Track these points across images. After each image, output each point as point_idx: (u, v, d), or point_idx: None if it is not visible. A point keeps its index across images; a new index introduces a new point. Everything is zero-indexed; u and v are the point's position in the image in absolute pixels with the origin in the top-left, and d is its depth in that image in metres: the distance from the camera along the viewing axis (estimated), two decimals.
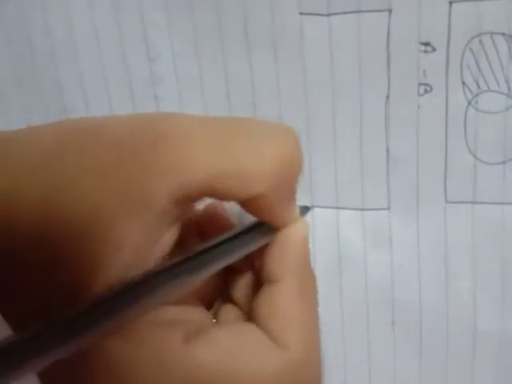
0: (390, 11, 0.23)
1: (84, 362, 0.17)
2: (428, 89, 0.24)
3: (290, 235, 0.20)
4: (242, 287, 0.22)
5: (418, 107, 0.24)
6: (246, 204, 0.19)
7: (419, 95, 0.24)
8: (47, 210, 0.16)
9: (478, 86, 0.23)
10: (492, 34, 0.23)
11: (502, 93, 0.23)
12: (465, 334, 0.26)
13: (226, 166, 0.17)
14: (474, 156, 0.24)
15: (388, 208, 0.25)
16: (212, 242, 0.19)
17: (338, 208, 0.26)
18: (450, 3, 0.22)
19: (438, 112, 0.24)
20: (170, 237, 0.18)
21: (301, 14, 0.23)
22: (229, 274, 0.23)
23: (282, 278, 0.20)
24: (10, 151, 0.17)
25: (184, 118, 0.18)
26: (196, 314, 0.21)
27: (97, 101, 0.26)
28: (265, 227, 0.21)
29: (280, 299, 0.20)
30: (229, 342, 0.18)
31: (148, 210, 0.16)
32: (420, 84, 0.24)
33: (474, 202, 0.25)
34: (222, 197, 0.18)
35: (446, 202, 0.25)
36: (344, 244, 0.26)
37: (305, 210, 0.23)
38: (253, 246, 0.20)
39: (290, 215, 0.20)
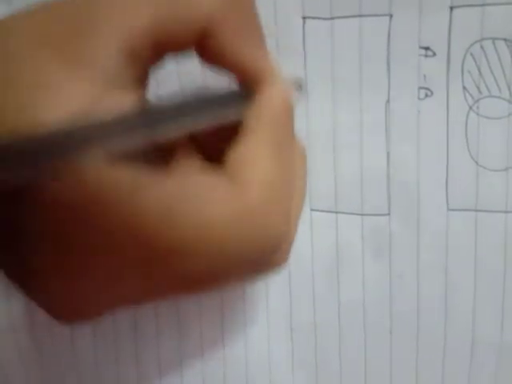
0: (391, 16, 0.23)
1: (25, 203, 0.16)
2: (428, 93, 0.24)
3: (266, 91, 0.19)
4: (213, 143, 0.20)
5: (419, 112, 0.24)
6: (204, 51, 0.18)
7: (420, 99, 0.24)
8: None
9: (480, 91, 0.23)
10: (494, 39, 0.23)
11: (503, 98, 0.23)
12: (463, 345, 0.25)
13: (168, 8, 0.17)
14: (476, 162, 0.24)
15: (388, 214, 0.25)
16: (179, 99, 0.17)
17: (337, 212, 0.26)
18: (451, 8, 0.23)
19: (438, 117, 0.24)
20: (127, 101, 0.17)
21: (304, 17, 0.24)
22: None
23: (254, 131, 0.18)
24: None
25: None
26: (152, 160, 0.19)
27: None
28: (244, 94, 0.19)
29: (247, 147, 0.18)
30: (180, 185, 0.17)
31: (92, 66, 0.16)
32: (420, 88, 0.24)
33: (476, 210, 0.24)
34: (172, 42, 0.17)
35: (448, 209, 0.24)
36: (343, 249, 0.26)
37: (297, 84, 0.21)
38: (226, 113, 0.19)
39: (260, 63, 0.19)
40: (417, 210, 0.25)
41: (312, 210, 0.26)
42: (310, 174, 0.26)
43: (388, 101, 0.24)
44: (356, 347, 0.26)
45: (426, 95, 0.24)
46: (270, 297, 0.27)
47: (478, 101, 0.23)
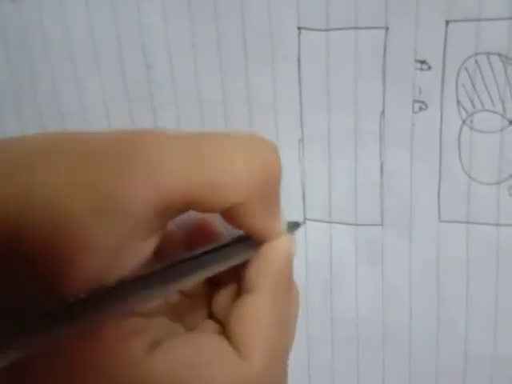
0: (387, 28, 0.23)
1: (43, 363, 0.17)
2: (423, 106, 0.24)
3: (273, 249, 0.21)
4: (223, 301, 0.22)
5: (413, 124, 0.24)
6: (227, 215, 0.19)
7: (414, 112, 0.24)
8: (19, 217, 0.16)
9: (473, 106, 0.23)
10: (488, 54, 0.23)
11: (497, 113, 0.23)
12: (456, 357, 0.25)
13: (201, 178, 0.18)
14: (468, 175, 0.24)
15: (381, 224, 0.25)
16: (193, 253, 0.19)
17: (330, 222, 0.26)
18: (447, 22, 0.23)
19: (432, 129, 0.24)
20: (148, 246, 0.18)
21: (299, 28, 0.24)
22: (213, 289, 0.23)
23: (257, 290, 0.20)
24: None
25: (160, 132, 0.18)
26: (166, 325, 0.21)
27: (94, 109, 0.27)
28: (250, 241, 0.21)
29: (250, 311, 0.20)
30: (187, 352, 0.18)
31: (124, 218, 0.16)
32: (415, 101, 0.24)
33: (468, 222, 0.24)
34: (202, 208, 0.18)
35: (440, 220, 0.25)
36: (336, 259, 0.26)
37: (295, 225, 0.23)
38: (236, 260, 0.20)
39: (274, 228, 0.21)
40: (409, 221, 0.25)
41: (306, 219, 0.26)
42: (304, 184, 0.26)
43: (383, 113, 0.24)
44: (349, 359, 0.26)
45: (421, 108, 0.24)
46: None
47: (471, 115, 0.23)
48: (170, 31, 0.25)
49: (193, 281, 0.19)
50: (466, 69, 0.23)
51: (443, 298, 0.25)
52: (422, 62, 0.23)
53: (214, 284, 0.22)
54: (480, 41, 0.23)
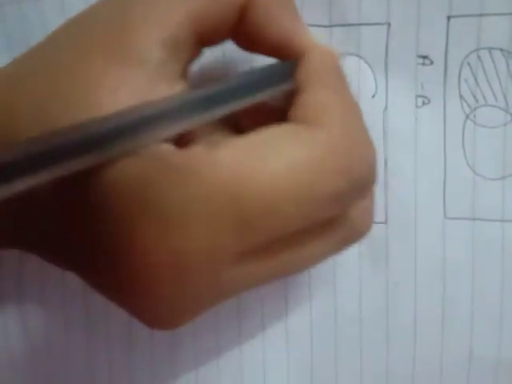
0: (389, 24, 0.23)
1: (95, 190, 0.16)
2: (426, 101, 0.24)
3: (317, 53, 0.19)
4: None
5: (416, 119, 0.24)
6: (242, 36, 0.19)
7: (417, 107, 0.24)
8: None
9: (476, 100, 0.23)
10: (490, 49, 0.23)
11: (499, 107, 0.23)
12: (460, 357, 0.25)
13: None
14: (473, 170, 0.24)
15: (385, 222, 0.25)
16: (229, 79, 0.18)
17: None
18: (449, 18, 0.23)
19: (435, 124, 0.24)
20: (172, 93, 0.17)
21: None
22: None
23: (313, 82, 0.18)
24: None
25: None
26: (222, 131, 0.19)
27: None
28: (289, 66, 0.19)
29: (310, 98, 0.18)
30: (253, 141, 0.16)
31: (138, 63, 0.16)
32: (418, 96, 0.24)
33: (473, 219, 0.24)
34: (212, 31, 0.18)
35: (445, 217, 0.25)
36: (339, 257, 0.26)
37: None
38: (277, 87, 0.19)
39: (302, 38, 0.19)
40: (414, 219, 0.25)
41: None
42: None
43: (386, 108, 0.24)
44: (352, 357, 0.25)
45: (424, 103, 0.24)
46: (266, 304, 0.26)
47: (474, 109, 0.23)
48: None
49: (228, 109, 0.18)
50: (469, 64, 0.23)
51: (448, 295, 0.24)
52: (425, 57, 0.23)
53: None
54: (482, 36, 0.23)
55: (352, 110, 0.18)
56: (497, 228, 0.24)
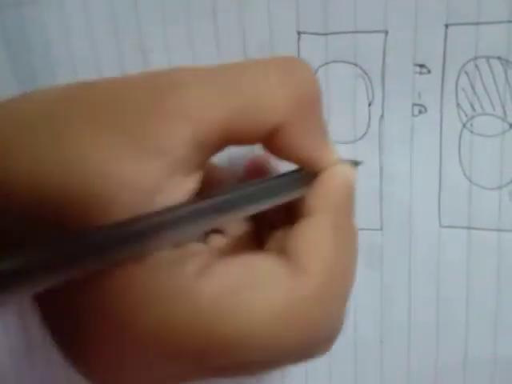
0: (387, 32, 0.23)
1: (90, 290, 0.16)
2: (422, 110, 0.24)
3: (332, 175, 0.19)
4: (275, 240, 0.20)
5: (412, 128, 0.24)
6: (270, 144, 0.18)
7: (414, 116, 0.24)
8: (45, 166, 0.16)
9: (473, 109, 0.23)
10: (488, 57, 0.23)
11: (497, 116, 0.23)
12: (455, 360, 0.25)
13: (238, 103, 0.17)
14: (469, 180, 0.24)
15: (381, 229, 0.25)
16: (242, 185, 0.18)
17: None
18: (446, 26, 0.23)
19: (432, 133, 0.24)
20: (189, 184, 0.17)
21: (299, 32, 0.24)
22: (264, 232, 0.21)
23: (317, 213, 0.19)
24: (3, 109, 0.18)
25: (189, 67, 0.18)
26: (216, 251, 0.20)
27: None
28: (304, 175, 0.19)
29: (309, 229, 0.18)
30: (237, 272, 0.17)
31: (160, 155, 0.16)
32: (414, 105, 0.24)
33: (469, 228, 0.24)
34: (240, 138, 0.18)
35: (441, 226, 0.24)
36: None
37: (354, 163, 0.21)
38: (289, 195, 0.19)
39: (326, 155, 0.19)
40: (409, 226, 0.25)
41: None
42: None
43: (382, 116, 0.24)
44: (347, 360, 0.26)
45: (420, 112, 0.24)
46: None
47: (471, 118, 0.23)
48: (168, 37, 0.25)
49: (239, 214, 0.18)
50: (466, 72, 0.23)
51: (444, 303, 0.25)
52: (422, 65, 0.23)
53: (264, 226, 0.21)
54: (479, 44, 0.23)
55: (345, 257, 0.19)
56: (493, 237, 0.24)
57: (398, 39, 0.23)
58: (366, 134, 0.24)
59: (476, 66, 0.23)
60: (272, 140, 0.18)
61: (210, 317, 0.16)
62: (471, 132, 0.23)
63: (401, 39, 0.23)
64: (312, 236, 0.18)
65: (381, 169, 0.24)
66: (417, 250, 0.25)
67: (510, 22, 0.22)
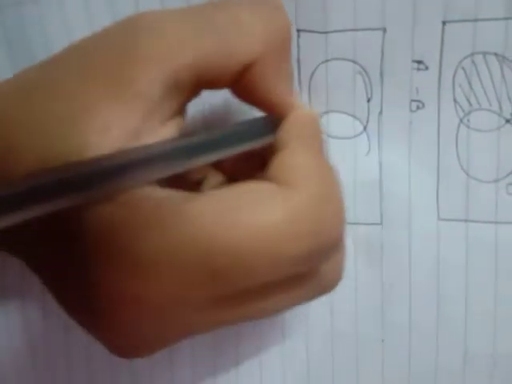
0: (385, 30, 0.24)
1: (74, 226, 0.16)
2: (420, 105, 0.24)
3: (301, 114, 0.20)
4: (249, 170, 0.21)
5: (411, 123, 0.24)
6: (239, 87, 0.19)
7: (412, 111, 0.24)
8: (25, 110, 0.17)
9: (470, 105, 0.24)
10: (484, 53, 0.23)
11: (493, 111, 0.24)
12: (455, 355, 0.25)
13: (213, 39, 0.17)
14: (467, 173, 0.24)
15: (380, 223, 0.26)
16: (215, 130, 0.19)
17: None
18: (444, 23, 0.23)
19: (430, 128, 0.24)
20: (167, 131, 0.18)
21: (298, 30, 0.24)
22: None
23: (291, 144, 0.19)
24: None
25: (158, 10, 0.18)
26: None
27: None
28: (273, 121, 0.20)
29: (288, 157, 0.18)
30: (229, 194, 0.17)
31: (136, 99, 0.17)
32: (412, 101, 0.24)
33: (467, 221, 0.25)
34: (212, 79, 0.18)
35: (439, 219, 0.25)
36: None
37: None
38: (259, 140, 0.20)
39: (293, 100, 0.20)
40: (408, 220, 0.25)
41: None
42: None
43: (381, 112, 0.24)
44: (348, 357, 0.26)
45: (418, 107, 0.24)
46: None
47: (468, 113, 0.24)
48: None
49: (213, 157, 0.18)
50: (463, 68, 0.23)
51: (443, 296, 0.25)
52: (420, 62, 0.24)
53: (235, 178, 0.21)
54: (476, 41, 0.23)
55: (328, 174, 0.19)
56: (490, 230, 0.24)
57: (396, 36, 0.24)
58: (365, 129, 0.25)
59: (473, 62, 0.23)
60: (242, 81, 0.18)
61: (210, 234, 0.16)
62: (468, 127, 0.24)
63: (399, 36, 0.23)
64: (292, 159, 0.18)
65: (380, 164, 0.25)
66: (416, 242, 0.25)
67: (506, 18, 0.23)
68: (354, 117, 0.25)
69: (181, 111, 0.18)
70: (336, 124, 0.25)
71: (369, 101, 0.24)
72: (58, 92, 0.17)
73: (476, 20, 0.23)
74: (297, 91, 0.20)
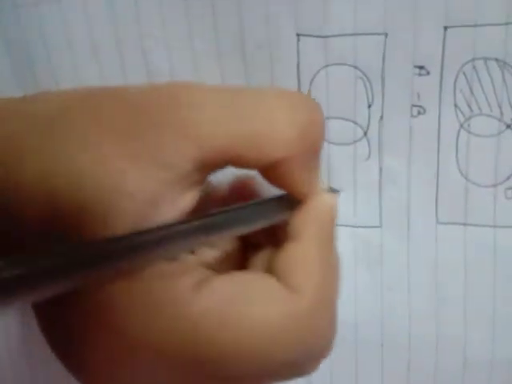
0: (386, 35, 0.23)
1: (85, 301, 0.17)
2: (421, 110, 0.24)
3: (318, 203, 0.20)
4: (261, 257, 0.21)
5: (411, 128, 0.24)
6: (267, 173, 0.19)
7: (412, 117, 0.24)
8: (51, 171, 0.16)
9: (471, 110, 0.24)
10: (485, 59, 0.23)
11: (494, 117, 0.24)
12: (454, 360, 0.26)
13: (247, 132, 0.18)
14: (466, 178, 0.24)
15: (380, 226, 0.26)
16: (232, 207, 0.19)
17: None
18: (445, 28, 0.23)
19: (430, 133, 0.24)
20: (187, 200, 0.18)
21: (298, 34, 0.24)
22: (248, 249, 0.22)
23: (303, 236, 0.19)
24: (13, 110, 0.18)
25: (199, 84, 0.18)
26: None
27: None
28: (289, 200, 0.20)
29: (297, 252, 0.19)
30: (234, 288, 0.18)
31: (161, 169, 0.16)
32: (413, 106, 0.24)
33: (465, 224, 0.25)
34: (241, 164, 0.18)
35: (438, 222, 0.25)
36: None
37: (333, 191, 0.22)
38: (275, 218, 0.20)
39: (314, 187, 0.20)
40: (407, 223, 0.25)
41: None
42: None
43: (382, 117, 0.24)
44: (347, 361, 0.27)
45: (419, 113, 0.24)
46: None
47: (469, 119, 0.24)
48: (169, 38, 0.25)
49: (229, 234, 0.19)
50: (464, 74, 0.23)
51: (442, 299, 0.25)
52: (421, 67, 0.23)
53: (248, 244, 0.22)
54: (477, 46, 0.23)
55: (332, 274, 0.20)
56: (488, 233, 0.25)
57: (397, 41, 0.23)
58: (365, 134, 0.25)
59: (474, 67, 0.23)
60: (270, 170, 0.19)
61: (207, 329, 0.17)
62: (468, 132, 0.24)
63: (400, 41, 0.23)
64: (301, 259, 0.19)
65: (380, 169, 0.25)
66: (415, 245, 0.25)
67: (507, 24, 0.22)
68: (355, 122, 0.25)
69: (202, 183, 0.18)
70: (336, 129, 0.25)
71: (370, 106, 0.24)
72: (77, 148, 0.16)
73: (477, 25, 0.23)
74: (320, 175, 0.21)
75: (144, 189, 0.16)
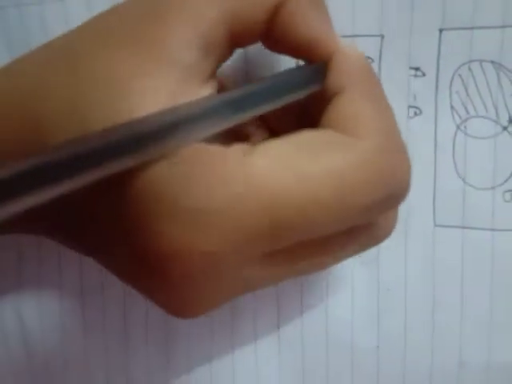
0: (383, 36, 0.24)
1: (121, 189, 0.16)
2: (418, 112, 0.24)
3: (348, 51, 0.18)
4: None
5: (408, 130, 0.24)
6: (273, 35, 0.18)
7: (409, 118, 0.24)
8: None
9: (467, 111, 0.24)
10: (481, 61, 0.23)
11: (490, 119, 0.24)
12: (450, 363, 0.25)
13: None
14: (463, 180, 0.24)
15: None
16: (257, 84, 0.18)
17: None
18: (441, 30, 0.23)
19: (427, 135, 0.24)
20: (205, 93, 0.17)
21: None
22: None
23: (347, 87, 0.18)
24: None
25: None
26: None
27: None
28: (316, 68, 0.19)
29: (348, 103, 0.18)
30: (288, 145, 0.16)
31: (171, 64, 0.16)
32: (410, 107, 0.24)
33: (463, 227, 0.25)
34: (244, 30, 0.17)
35: (435, 225, 0.25)
36: None
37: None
38: (304, 91, 0.18)
39: (332, 39, 0.18)
40: (405, 225, 0.25)
41: None
42: None
43: None
44: (343, 362, 0.26)
45: (415, 114, 0.24)
46: (258, 310, 0.27)
47: (465, 120, 0.24)
48: None
49: (260, 111, 0.17)
50: (460, 76, 0.24)
51: (438, 302, 0.25)
52: (417, 69, 0.24)
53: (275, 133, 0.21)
54: (473, 48, 0.23)
55: (388, 119, 0.18)
56: (486, 236, 0.25)
57: (393, 43, 0.24)
58: None
59: (469, 69, 0.23)
60: (276, 27, 0.18)
61: (274, 186, 0.16)
62: (465, 134, 0.24)
63: (396, 43, 0.24)
64: (350, 108, 0.18)
65: None
66: (412, 248, 0.25)
67: (503, 27, 0.23)
68: None
69: (214, 73, 0.18)
70: None
71: None
72: (84, 70, 0.17)
73: (473, 28, 0.23)
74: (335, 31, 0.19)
75: (155, 85, 0.16)
